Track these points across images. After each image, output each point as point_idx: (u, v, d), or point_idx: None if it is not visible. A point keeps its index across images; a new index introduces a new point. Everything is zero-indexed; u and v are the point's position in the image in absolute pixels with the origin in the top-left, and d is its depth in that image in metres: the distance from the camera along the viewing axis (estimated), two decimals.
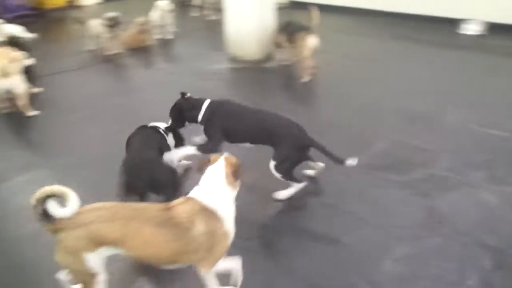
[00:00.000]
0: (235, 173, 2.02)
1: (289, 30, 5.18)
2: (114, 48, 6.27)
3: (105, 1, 9.73)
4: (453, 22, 6.97)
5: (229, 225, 1.96)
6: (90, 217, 1.82)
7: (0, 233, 2.74)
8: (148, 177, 2.51)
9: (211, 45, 6.61)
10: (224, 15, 5.82)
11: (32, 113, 4.40)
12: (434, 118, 4.03)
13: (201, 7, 8.58)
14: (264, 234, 2.65)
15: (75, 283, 1.94)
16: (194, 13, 8.60)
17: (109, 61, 6.11)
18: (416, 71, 5.33)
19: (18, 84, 4.32)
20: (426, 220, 2.68)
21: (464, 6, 7.01)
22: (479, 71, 5.35)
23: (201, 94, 4.21)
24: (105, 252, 1.84)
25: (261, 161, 2.92)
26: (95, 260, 1.82)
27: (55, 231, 1.78)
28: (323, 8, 7.63)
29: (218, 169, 2.01)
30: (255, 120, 2.88)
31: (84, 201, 2.89)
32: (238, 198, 2.08)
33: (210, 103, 2.97)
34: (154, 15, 6.89)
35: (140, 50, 6.50)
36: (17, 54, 4.41)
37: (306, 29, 4.86)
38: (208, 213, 1.89)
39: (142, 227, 1.81)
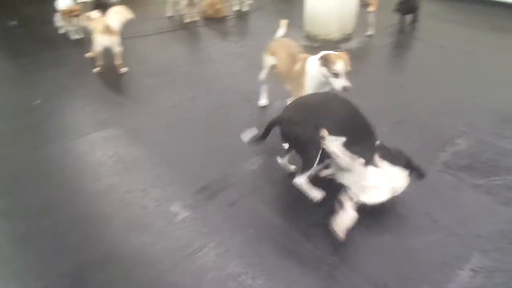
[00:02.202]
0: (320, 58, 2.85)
1: None
2: (192, 16, 6.32)
3: None
4: None
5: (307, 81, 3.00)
6: (275, 40, 3.55)
7: (77, 186, 2.87)
8: None
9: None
10: None
11: (124, 69, 4.62)
12: None
13: None
14: (327, 223, 2.54)
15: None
16: None
17: (185, 28, 6.17)
18: None
19: (118, 42, 4.49)
20: (511, 233, 2.43)
21: None
22: None
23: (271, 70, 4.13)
24: (271, 60, 3.49)
25: None
26: (268, 60, 3.56)
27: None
28: None
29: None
30: None
31: (153, 163, 3.04)
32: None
33: None
34: None
35: (216, 20, 6.49)
36: (129, 13, 4.57)
37: None
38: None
39: (283, 52, 3.34)
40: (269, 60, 3.55)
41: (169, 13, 6.55)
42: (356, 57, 5.20)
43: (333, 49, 3.02)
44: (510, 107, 3.83)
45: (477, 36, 5.91)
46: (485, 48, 5.45)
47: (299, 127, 2.46)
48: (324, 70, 2.83)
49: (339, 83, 2.78)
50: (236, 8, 6.96)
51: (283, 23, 3.58)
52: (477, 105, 3.91)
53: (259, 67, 3.75)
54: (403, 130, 3.49)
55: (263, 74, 3.72)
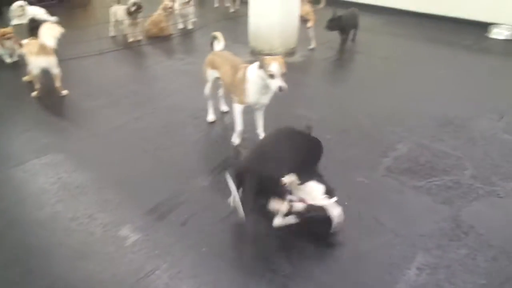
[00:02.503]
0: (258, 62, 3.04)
1: None
2: (135, 35, 6.24)
3: None
4: (482, 26, 6.82)
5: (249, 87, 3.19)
6: (216, 53, 3.64)
7: (18, 216, 2.71)
8: None
9: (231, 37, 6.48)
10: (248, 7, 5.72)
11: (65, 91, 4.45)
12: (462, 124, 3.90)
13: None
14: (280, 234, 2.56)
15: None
16: (216, 4, 8.52)
17: (129, 48, 6.08)
18: (446, 75, 5.18)
19: (56, 62, 4.32)
20: (451, 230, 2.58)
21: (495, 10, 6.85)
22: (508, 76, 5.22)
23: (218, 87, 4.18)
24: (214, 73, 3.59)
25: None
26: (210, 74, 3.63)
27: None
28: (353, 5, 7.49)
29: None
30: None
31: (100, 187, 2.94)
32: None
33: None
34: (177, 5, 6.82)
35: (161, 39, 6.46)
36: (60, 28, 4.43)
37: None
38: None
39: (226, 64, 3.43)
40: (211, 74, 3.65)
41: (112, 33, 6.43)
42: (301, 70, 5.39)
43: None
44: (444, 112, 4.11)
45: (413, 47, 6.33)
46: (420, 58, 5.84)
47: (269, 179, 2.46)
48: (261, 72, 3.01)
49: (275, 84, 2.94)
50: (180, 26, 6.97)
51: (218, 35, 3.68)
52: (414, 111, 4.15)
53: (205, 83, 3.77)
54: (346, 138, 3.63)
55: (207, 89, 3.78)
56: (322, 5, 6.28)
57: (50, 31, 4.30)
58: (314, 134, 2.99)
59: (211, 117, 3.90)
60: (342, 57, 5.86)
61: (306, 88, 4.79)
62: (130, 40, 6.20)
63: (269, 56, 3.06)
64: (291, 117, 4.03)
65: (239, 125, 3.43)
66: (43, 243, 2.48)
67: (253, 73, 3.14)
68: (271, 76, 2.95)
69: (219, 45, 3.69)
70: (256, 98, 3.25)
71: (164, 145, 3.52)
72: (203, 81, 3.75)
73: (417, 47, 6.34)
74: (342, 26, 5.75)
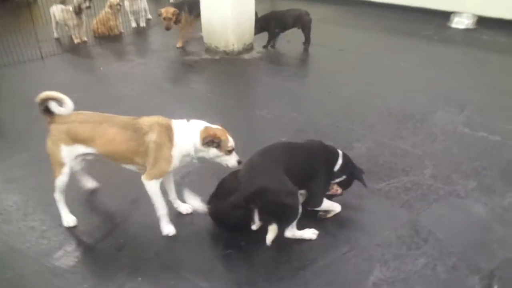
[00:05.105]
0: (205, 139, 2.27)
1: None
2: (80, 36, 5.82)
3: None
4: (443, 15, 6.74)
5: (175, 154, 2.29)
6: (72, 118, 2.33)
7: None
8: None
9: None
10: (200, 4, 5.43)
11: None
12: (422, 118, 3.76)
13: None
14: (230, 254, 2.35)
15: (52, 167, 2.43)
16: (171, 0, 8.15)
17: (75, 50, 5.67)
18: (405, 66, 5.07)
19: None
20: (409, 237, 2.41)
21: None
22: (469, 67, 5.14)
23: (173, 87, 3.91)
24: (78, 149, 2.35)
25: None
26: (68, 153, 2.34)
27: (50, 123, 2.32)
28: None
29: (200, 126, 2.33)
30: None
31: (26, 213, 2.61)
32: None
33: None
34: (126, 1, 6.44)
35: (109, 39, 6.07)
36: None
37: None
38: (167, 132, 2.28)
39: (108, 129, 2.31)
40: (71, 152, 2.37)
41: (55, 34, 5.98)
42: (257, 67, 5.16)
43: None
44: (404, 107, 3.96)
45: (372, 39, 6.19)
46: (379, 50, 5.70)
47: (281, 194, 2.21)
48: (213, 151, 2.32)
49: (233, 159, 2.38)
50: (133, 24, 6.60)
51: (54, 94, 2.32)
52: (373, 107, 3.99)
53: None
54: (302, 138, 3.40)
55: (63, 178, 2.44)
56: None
57: None
58: (268, 136, 2.72)
59: (71, 219, 2.55)
60: (304, 50, 5.60)
61: (262, 87, 4.57)
62: (76, 41, 5.78)
63: (214, 128, 2.34)
64: (246, 119, 3.80)
65: (161, 207, 2.43)
66: None
67: (186, 140, 2.31)
68: (229, 152, 2.36)
69: (65, 106, 2.34)
70: (176, 166, 2.41)
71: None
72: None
73: (376, 39, 6.20)
74: (265, 27, 5.50)
